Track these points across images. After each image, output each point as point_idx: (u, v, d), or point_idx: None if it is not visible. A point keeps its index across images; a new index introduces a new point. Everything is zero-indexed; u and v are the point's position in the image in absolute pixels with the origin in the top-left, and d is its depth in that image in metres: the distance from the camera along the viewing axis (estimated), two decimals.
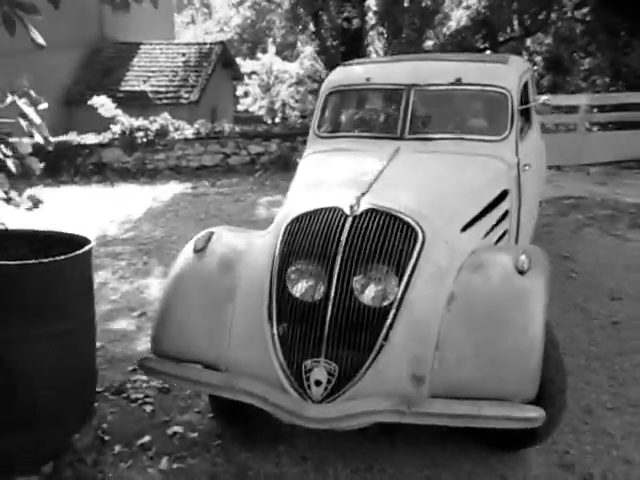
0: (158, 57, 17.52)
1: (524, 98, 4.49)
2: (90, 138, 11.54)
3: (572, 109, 11.35)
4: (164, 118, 11.35)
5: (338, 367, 2.54)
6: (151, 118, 11.41)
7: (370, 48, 18.55)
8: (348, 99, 4.74)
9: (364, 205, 2.78)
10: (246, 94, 19.01)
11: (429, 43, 17.43)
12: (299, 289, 2.68)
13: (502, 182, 3.69)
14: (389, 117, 4.35)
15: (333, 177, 3.43)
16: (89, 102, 12.09)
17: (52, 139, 3.14)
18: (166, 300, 2.97)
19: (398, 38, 15.86)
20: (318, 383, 2.52)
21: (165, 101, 16.41)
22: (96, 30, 17.33)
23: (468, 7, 16.70)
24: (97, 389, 3.42)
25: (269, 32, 18.61)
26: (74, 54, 16.79)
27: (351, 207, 2.76)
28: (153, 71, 17.08)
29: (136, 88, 16.59)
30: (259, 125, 12.33)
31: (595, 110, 12.24)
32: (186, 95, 16.49)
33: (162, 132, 11.21)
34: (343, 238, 2.67)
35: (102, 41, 17.45)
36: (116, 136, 11.30)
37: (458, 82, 4.11)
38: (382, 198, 2.87)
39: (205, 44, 18.23)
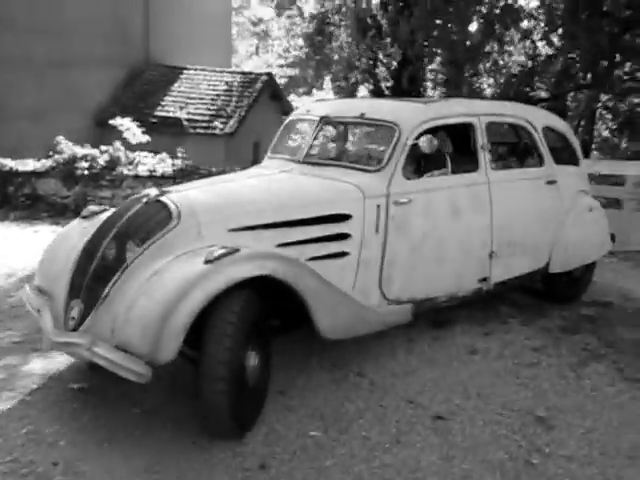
0: (200, 83, 16.38)
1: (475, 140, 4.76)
2: (26, 164, 9.81)
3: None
4: (116, 149, 9.74)
5: (84, 308, 3.36)
6: (103, 148, 9.85)
7: (430, 92, 16.18)
8: (295, 128, 5.32)
9: (162, 197, 3.58)
10: None
11: (488, 91, 15.12)
12: (89, 250, 3.56)
13: (342, 206, 4.00)
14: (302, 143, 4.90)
15: (208, 182, 4.28)
16: (110, 122, 10.89)
17: None
18: (46, 248, 4.09)
19: (458, 88, 13.69)
20: (72, 318, 3.38)
21: (200, 130, 15.10)
22: (141, 51, 16.45)
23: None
24: None
25: (329, 67, 16.92)
26: (115, 73, 16.01)
27: (147, 196, 3.64)
28: (192, 98, 15.92)
29: (171, 114, 15.43)
30: None
31: None
32: (221, 126, 15.06)
33: (111, 165, 9.59)
34: (126, 216, 3.56)
35: (146, 63, 16.53)
36: (55, 164, 9.63)
37: (361, 117, 4.59)
38: (182, 194, 3.69)
39: (250, 73, 16.83)
